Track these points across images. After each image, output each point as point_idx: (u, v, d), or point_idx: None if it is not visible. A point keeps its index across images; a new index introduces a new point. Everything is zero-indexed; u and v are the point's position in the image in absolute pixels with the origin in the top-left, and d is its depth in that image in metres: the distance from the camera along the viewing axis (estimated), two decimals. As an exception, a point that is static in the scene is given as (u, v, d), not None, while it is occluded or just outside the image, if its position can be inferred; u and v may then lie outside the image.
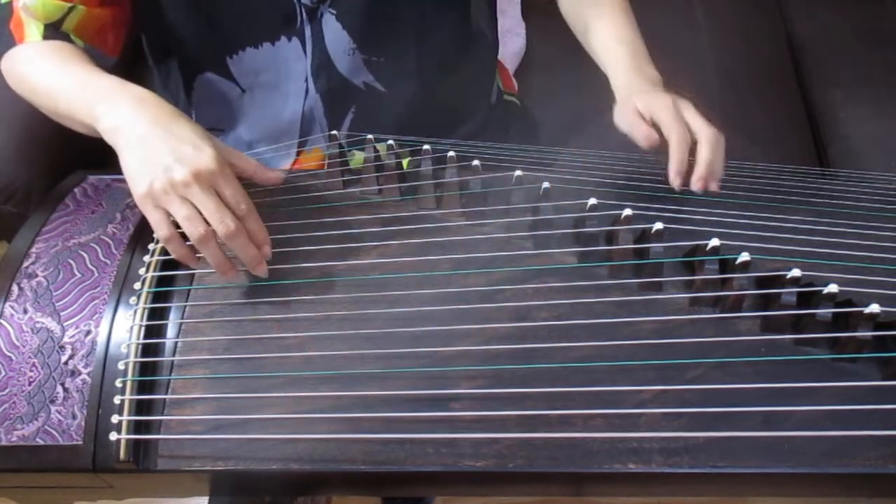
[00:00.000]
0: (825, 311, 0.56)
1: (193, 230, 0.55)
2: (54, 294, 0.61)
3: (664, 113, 0.64)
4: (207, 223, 0.55)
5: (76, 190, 0.70)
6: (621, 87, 0.71)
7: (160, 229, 0.56)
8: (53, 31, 0.67)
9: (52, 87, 0.63)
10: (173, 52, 0.77)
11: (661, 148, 0.64)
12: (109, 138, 0.58)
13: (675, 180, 0.63)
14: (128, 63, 0.77)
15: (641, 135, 0.65)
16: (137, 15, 0.74)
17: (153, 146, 0.55)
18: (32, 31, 0.66)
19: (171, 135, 0.56)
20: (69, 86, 0.62)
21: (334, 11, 0.71)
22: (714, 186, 0.63)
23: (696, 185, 0.62)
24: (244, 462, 0.55)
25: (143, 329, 0.58)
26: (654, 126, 0.65)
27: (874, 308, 0.54)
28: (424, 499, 1.20)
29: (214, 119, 0.80)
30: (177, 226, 0.56)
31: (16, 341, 0.59)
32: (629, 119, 0.67)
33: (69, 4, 0.67)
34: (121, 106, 0.58)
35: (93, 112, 0.59)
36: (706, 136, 0.63)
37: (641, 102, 0.67)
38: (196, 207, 0.55)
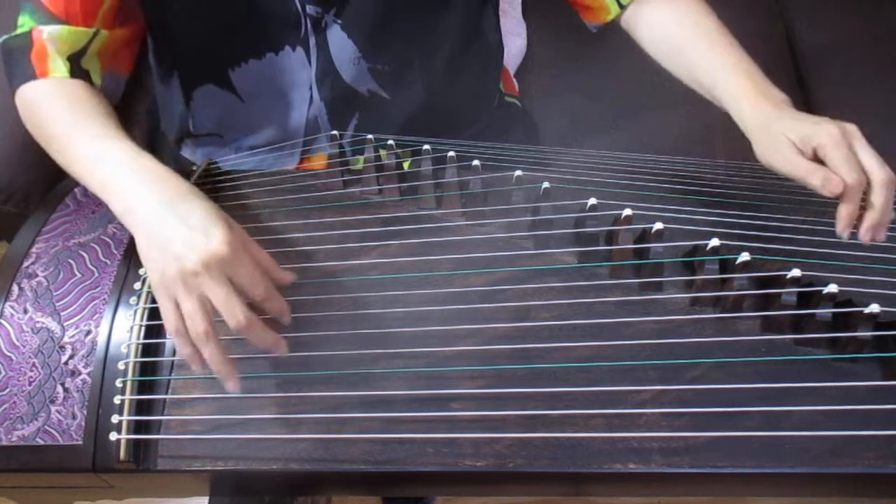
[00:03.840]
0: (825, 311, 0.56)
1: (193, 326, 0.52)
2: (54, 294, 0.61)
3: (834, 149, 0.55)
4: (210, 322, 0.52)
5: (76, 190, 0.71)
6: (751, 116, 0.61)
7: (168, 323, 0.53)
8: (77, 67, 0.66)
9: (64, 148, 0.62)
10: (174, 63, 0.77)
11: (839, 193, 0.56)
12: (122, 220, 0.56)
13: (843, 232, 0.56)
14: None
15: (818, 182, 0.55)
16: (148, 26, 0.74)
17: (164, 232, 0.53)
18: (59, 65, 0.65)
19: (182, 219, 0.53)
20: (80, 151, 0.60)
21: (340, 21, 0.71)
22: (881, 236, 0.56)
23: (864, 236, 0.56)
24: (244, 462, 0.55)
25: (143, 329, 0.58)
26: (817, 160, 0.56)
27: (874, 308, 0.54)
28: (424, 499, 1.20)
29: (213, 124, 0.80)
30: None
31: (16, 341, 0.59)
32: (788, 158, 0.57)
33: (93, 30, 0.66)
34: (131, 185, 0.56)
35: (105, 191, 0.58)
36: (881, 180, 0.55)
37: (796, 133, 0.57)
38: (205, 299, 0.52)
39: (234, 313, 0.51)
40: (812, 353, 0.57)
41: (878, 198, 0.55)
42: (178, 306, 0.53)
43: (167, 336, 0.56)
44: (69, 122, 0.62)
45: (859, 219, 0.56)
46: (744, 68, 0.65)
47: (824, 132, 0.56)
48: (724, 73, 0.65)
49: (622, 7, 0.74)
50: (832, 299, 0.56)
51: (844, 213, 0.55)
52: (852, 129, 0.57)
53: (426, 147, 0.67)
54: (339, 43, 0.72)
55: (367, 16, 0.71)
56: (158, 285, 0.53)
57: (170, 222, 0.53)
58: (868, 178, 0.55)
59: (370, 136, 0.69)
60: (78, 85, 0.66)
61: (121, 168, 0.57)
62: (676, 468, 0.53)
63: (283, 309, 0.56)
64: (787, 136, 0.57)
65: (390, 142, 0.69)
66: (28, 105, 0.66)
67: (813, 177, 0.55)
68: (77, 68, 0.66)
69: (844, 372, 0.56)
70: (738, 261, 0.57)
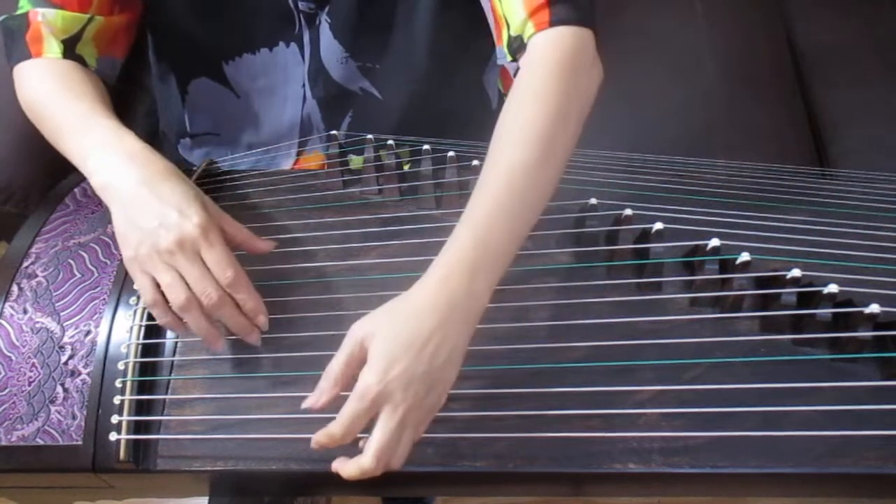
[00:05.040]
0: (825, 311, 0.56)
1: (174, 297, 0.54)
2: (54, 294, 0.61)
3: (353, 399, 0.48)
4: (189, 291, 0.54)
5: (76, 190, 0.70)
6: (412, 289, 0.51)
7: (145, 294, 0.55)
8: (70, 51, 0.66)
9: (54, 124, 0.63)
10: (170, 56, 0.77)
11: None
12: (100, 195, 0.58)
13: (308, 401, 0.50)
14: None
15: (320, 387, 0.50)
16: (146, 16, 0.74)
17: (140, 209, 0.55)
18: (52, 47, 0.66)
19: (158, 198, 0.55)
20: (68, 128, 0.61)
21: (329, 20, 0.71)
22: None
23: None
24: (244, 462, 0.55)
25: (142, 329, 0.58)
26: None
27: (874, 308, 0.54)
28: (424, 499, 1.20)
29: (210, 124, 0.80)
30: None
31: (16, 341, 0.59)
32: (347, 345, 0.50)
33: (87, 15, 0.67)
34: (112, 162, 0.57)
35: (86, 165, 0.59)
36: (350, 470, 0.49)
37: (371, 350, 0.48)
38: (180, 275, 0.54)
39: (207, 292, 0.54)
40: (812, 353, 0.57)
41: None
42: (152, 279, 0.55)
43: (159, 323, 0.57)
44: (58, 102, 0.63)
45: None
46: (473, 239, 0.51)
47: (364, 373, 0.48)
48: (458, 228, 0.53)
49: (513, 55, 0.63)
50: (832, 299, 0.56)
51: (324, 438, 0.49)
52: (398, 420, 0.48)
53: (426, 147, 0.67)
54: (327, 42, 0.72)
55: (347, 15, 0.71)
56: (131, 260, 0.55)
57: (146, 200, 0.55)
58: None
59: (370, 136, 0.69)
60: (70, 66, 0.66)
61: (103, 145, 0.59)
62: (676, 468, 0.53)
63: (256, 305, 0.56)
64: (362, 332, 0.50)
65: (390, 142, 0.69)
66: (22, 84, 0.67)
67: (328, 375, 0.50)
68: (70, 53, 0.67)
69: (844, 372, 0.56)
70: (738, 261, 0.57)
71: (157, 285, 0.55)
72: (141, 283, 0.55)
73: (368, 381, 0.48)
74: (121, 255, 0.63)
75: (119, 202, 0.56)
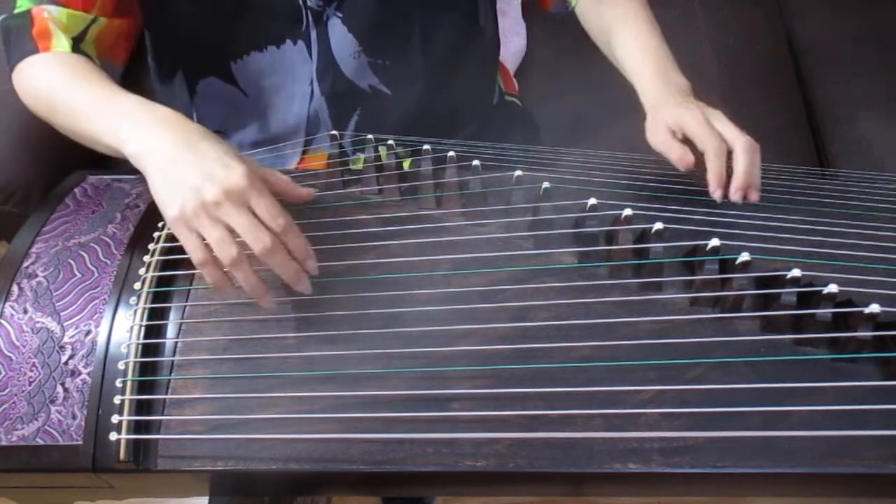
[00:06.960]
0: (825, 311, 0.56)
1: (225, 253, 0.53)
2: (54, 294, 0.61)
3: (696, 126, 0.63)
4: (239, 246, 0.53)
5: (76, 190, 0.71)
6: (649, 97, 0.70)
7: (195, 254, 0.54)
8: (77, 47, 0.66)
9: (73, 107, 0.62)
10: (177, 57, 0.77)
11: (697, 166, 0.63)
12: (136, 162, 0.57)
13: (715, 192, 0.62)
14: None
15: (676, 156, 0.63)
16: (146, 19, 0.74)
17: (182, 168, 0.54)
18: (62, 42, 0.65)
19: (200, 154, 0.54)
20: (91, 105, 0.60)
21: (340, 15, 0.71)
22: (754, 196, 0.62)
23: (735, 195, 0.62)
24: (244, 462, 0.55)
25: (143, 329, 0.58)
26: (688, 142, 0.64)
27: (874, 308, 0.54)
28: (424, 499, 1.20)
29: (218, 122, 0.80)
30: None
31: (16, 341, 0.59)
32: (661, 138, 0.65)
33: (91, 15, 0.66)
34: (146, 128, 0.56)
35: (118, 135, 0.57)
36: (742, 145, 0.62)
37: (671, 118, 0.65)
38: (229, 229, 0.53)
39: (259, 237, 0.53)
40: (812, 353, 0.57)
41: (740, 161, 0.61)
42: (200, 238, 0.54)
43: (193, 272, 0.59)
44: (75, 87, 0.62)
45: (728, 184, 0.62)
46: (655, 54, 0.73)
47: (689, 113, 0.64)
48: (637, 56, 0.74)
49: None
50: (832, 299, 0.56)
51: (711, 176, 0.62)
52: (715, 112, 0.65)
53: (426, 147, 0.67)
54: (340, 37, 0.72)
55: (366, 9, 0.71)
56: (178, 220, 0.54)
57: (187, 158, 0.54)
58: (729, 145, 0.62)
59: (370, 136, 0.69)
60: (80, 58, 0.65)
61: (135, 113, 0.58)
62: (676, 468, 0.53)
63: (307, 249, 0.56)
64: (665, 121, 0.65)
65: (390, 141, 0.69)
66: (28, 78, 0.65)
67: (673, 153, 0.64)
68: (78, 49, 0.66)
69: (844, 372, 0.56)
70: (738, 261, 0.57)
71: (206, 244, 0.54)
72: (189, 243, 0.54)
73: None
74: (121, 255, 0.63)
75: (158, 165, 0.55)
